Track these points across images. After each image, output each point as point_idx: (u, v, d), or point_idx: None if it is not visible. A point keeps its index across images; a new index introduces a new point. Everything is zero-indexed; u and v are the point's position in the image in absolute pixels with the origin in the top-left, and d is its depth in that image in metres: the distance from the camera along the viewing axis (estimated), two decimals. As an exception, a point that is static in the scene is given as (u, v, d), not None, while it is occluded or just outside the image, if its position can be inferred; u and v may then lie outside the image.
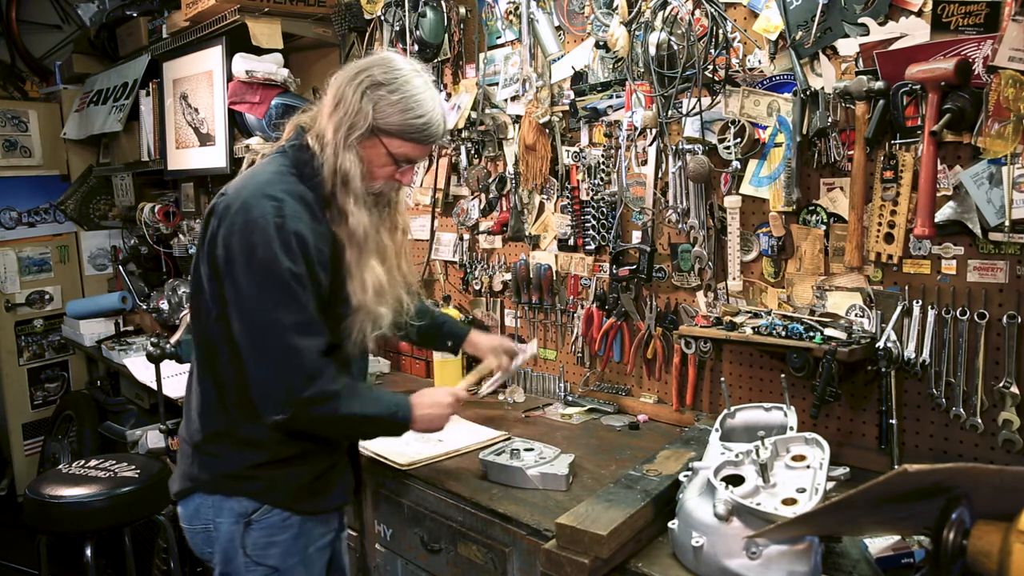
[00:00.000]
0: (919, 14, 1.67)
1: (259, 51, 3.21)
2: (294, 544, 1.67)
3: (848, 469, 1.56)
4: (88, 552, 2.75)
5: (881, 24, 1.73)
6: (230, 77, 3.28)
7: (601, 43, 2.25)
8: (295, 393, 1.50)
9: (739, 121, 1.97)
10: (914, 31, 1.68)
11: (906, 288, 1.77)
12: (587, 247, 2.43)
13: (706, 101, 2.03)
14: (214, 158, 3.43)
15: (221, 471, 1.64)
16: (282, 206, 1.52)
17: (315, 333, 1.53)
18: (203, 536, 1.67)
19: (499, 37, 2.64)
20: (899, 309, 1.77)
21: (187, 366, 1.85)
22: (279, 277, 1.49)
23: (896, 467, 1.58)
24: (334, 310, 1.62)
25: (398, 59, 1.63)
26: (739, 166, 2.00)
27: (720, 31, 1.95)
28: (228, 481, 1.64)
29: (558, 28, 2.44)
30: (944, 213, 1.67)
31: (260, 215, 1.50)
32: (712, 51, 1.97)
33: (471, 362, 2.48)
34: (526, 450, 1.93)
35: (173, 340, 2.85)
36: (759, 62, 1.97)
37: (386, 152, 1.62)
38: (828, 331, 1.77)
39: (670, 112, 2.09)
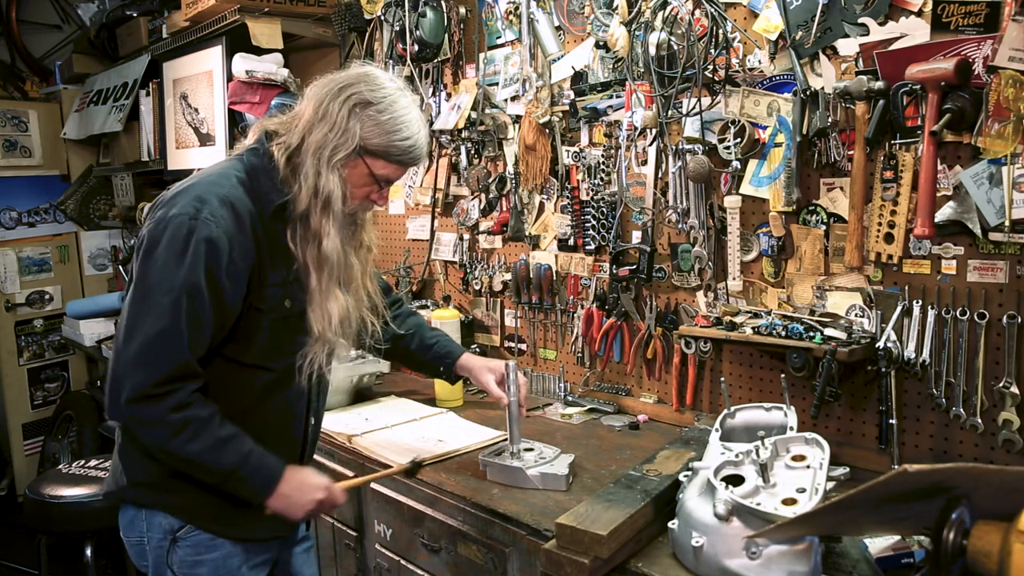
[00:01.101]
0: (919, 14, 1.67)
1: (259, 51, 3.21)
2: (224, 564, 1.59)
3: (848, 469, 1.56)
4: (88, 552, 2.75)
5: (881, 24, 1.73)
6: (230, 77, 3.28)
7: (601, 43, 2.25)
8: (127, 403, 1.39)
9: (739, 121, 1.97)
10: (914, 31, 1.68)
11: (906, 288, 1.77)
12: (587, 247, 2.43)
13: (706, 101, 2.03)
14: (214, 158, 3.42)
15: (137, 478, 1.56)
16: (201, 209, 1.43)
17: (176, 351, 1.41)
18: (138, 548, 1.60)
19: (499, 37, 2.64)
20: (899, 309, 1.77)
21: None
22: (167, 282, 1.40)
23: (896, 467, 1.59)
24: (251, 324, 1.53)
25: (382, 76, 1.56)
26: (739, 166, 2.00)
27: (720, 31, 1.95)
28: (144, 491, 1.56)
29: (558, 28, 2.44)
30: (944, 213, 1.67)
31: (177, 213, 1.43)
32: (712, 51, 1.97)
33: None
34: (526, 450, 1.93)
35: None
36: (759, 62, 1.97)
37: (368, 173, 1.55)
38: (828, 331, 1.77)
39: (670, 112, 2.09)
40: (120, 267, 4.57)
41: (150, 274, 1.43)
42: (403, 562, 2.06)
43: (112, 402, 1.43)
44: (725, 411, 1.78)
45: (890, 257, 1.78)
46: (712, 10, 1.94)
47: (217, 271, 1.44)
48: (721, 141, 2.00)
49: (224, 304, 1.47)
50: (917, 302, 1.75)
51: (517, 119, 2.59)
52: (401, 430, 2.26)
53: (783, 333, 1.82)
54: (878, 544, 1.43)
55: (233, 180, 1.52)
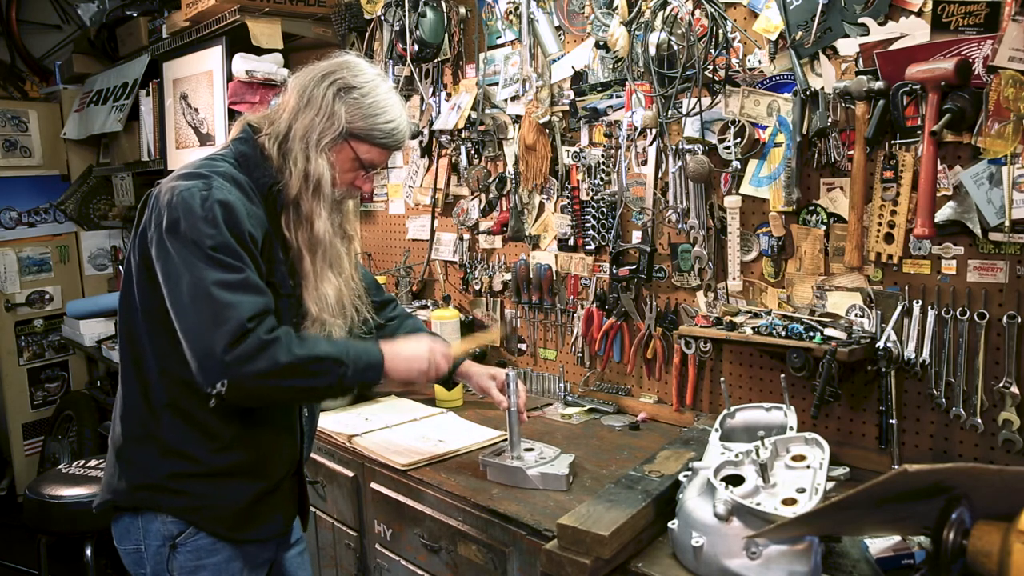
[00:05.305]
0: (919, 14, 1.67)
1: (259, 51, 3.21)
2: (226, 568, 1.58)
3: (848, 469, 1.56)
4: (88, 552, 2.76)
5: (881, 24, 1.73)
6: (230, 77, 3.28)
7: (601, 43, 2.25)
8: (227, 351, 1.37)
9: (739, 121, 1.97)
10: (914, 31, 1.68)
11: (906, 288, 1.77)
12: (587, 247, 2.43)
13: (706, 101, 2.03)
14: (214, 158, 3.42)
15: (139, 480, 1.53)
16: (210, 179, 1.45)
17: (247, 291, 1.41)
18: (135, 557, 1.58)
19: (499, 37, 2.64)
20: (899, 309, 1.77)
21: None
22: (201, 247, 1.40)
23: (896, 467, 1.59)
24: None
25: (362, 63, 1.59)
26: (739, 166, 2.00)
27: (720, 31, 1.95)
28: (147, 493, 1.53)
29: (558, 28, 2.44)
30: (944, 213, 1.67)
31: (184, 190, 1.43)
32: (712, 51, 1.97)
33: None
34: (526, 450, 1.92)
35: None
36: (759, 62, 1.97)
37: (354, 157, 1.57)
38: (828, 331, 1.77)
39: (670, 112, 2.09)
40: (120, 267, 4.57)
41: (185, 244, 1.41)
42: (403, 562, 2.06)
43: (208, 364, 1.39)
44: (725, 411, 1.78)
45: (890, 257, 1.78)
46: (712, 10, 1.94)
47: (239, 230, 1.44)
48: (721, 141, 2.00)
49: (256, 261, 1.47)
50: (917, 302, 1.75)
51: (517, 119, 2.59)
52: (401, 430, 2.26)
53: (783, 333, 1.82)
54: (878, 544, 1.43)
55: (226, 165, 1.53)
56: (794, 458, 1.47)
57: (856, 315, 1.84)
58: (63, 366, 4.82)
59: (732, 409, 1.78)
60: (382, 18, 2.88)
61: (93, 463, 2.93)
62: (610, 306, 2.38)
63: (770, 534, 1.29)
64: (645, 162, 2.25)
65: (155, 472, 1.53)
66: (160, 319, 1.48)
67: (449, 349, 1.76)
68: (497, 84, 2.66)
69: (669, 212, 2.19)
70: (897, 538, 1.43)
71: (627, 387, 2.41)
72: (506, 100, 2.63)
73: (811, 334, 1.79)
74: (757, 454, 1.45)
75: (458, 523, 1.86)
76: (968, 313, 1.68)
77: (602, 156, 2.35)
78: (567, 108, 2.43)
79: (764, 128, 1.97)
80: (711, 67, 2.00)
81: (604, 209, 2.36)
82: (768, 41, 1.93)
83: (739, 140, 1.97)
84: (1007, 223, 1.58)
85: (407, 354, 1.65)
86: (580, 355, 2.51)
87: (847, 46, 1.79)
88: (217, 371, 1.39)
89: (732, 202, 2.04)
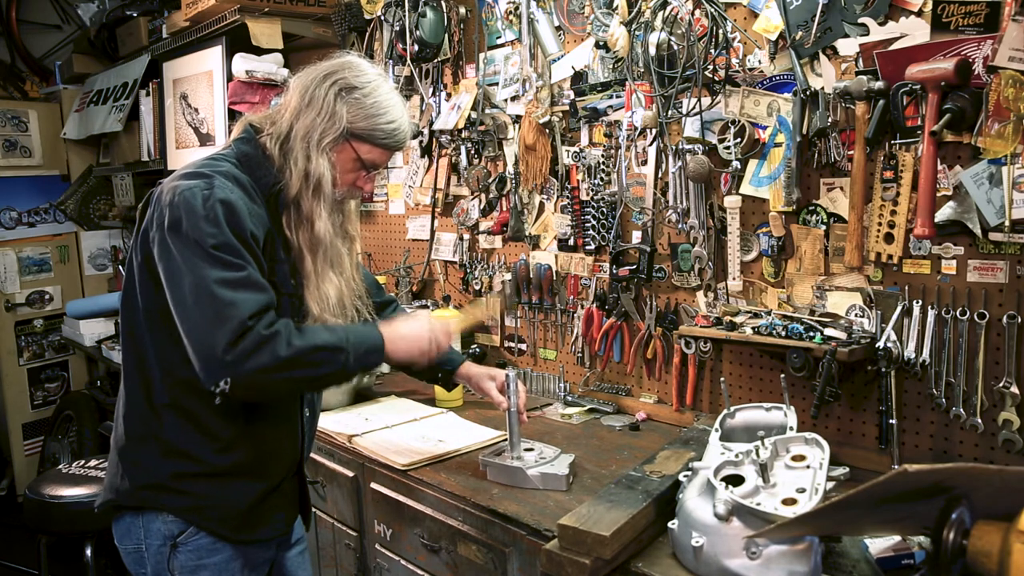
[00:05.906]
0: (919, 14, 1.67)
1: (259, 51, 3.22)
2: (226, 567, 1.58)
3: (848, 469, 1.56)
4: (88, 552, 2.76)
5: (881, 24, 1.73)
6: (230, 77, 3.28)
7: (601, 43, 2.25)
8: (228, 349, 1.37)
9: (739, 121, 1.97)
10: (914, 31, 1.68)
11: (906, 288, 1.77)
12: (587, 247, 2.43)
13: (706, 101, 2.03)
14: (214, 158, 3.42)
15: (142, 481, 1.53)
16: (211, 181, 1.45)
17: (249, 288, 1.41)
18: (135, 556, 1.58)
19: (499, 37, 2.64)
20: (899, 309, 1.77)
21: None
22: (203, 246, 1.40)
23: (896, 467, 1.59)
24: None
25: (364, 63, 1.60)
26: (739, 166, 2.00)
27: (720, 31, 1.95)
28: (150, 493, 1.53)
29: (558, 28, 2.44)
30: (944, 213, 1.67)
31: (186, 189, 1.43)
32: (712, 51, 1.97)
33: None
34: (526, 450, 1.92)
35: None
36: (759, 62, 1.97)
37: (355, 157, 1.58)
38: (828, 331, 1.77)
39: (670, 112, 2.09)
40: (120, 267, 4.57)
41: (187, 243, 1.41)
42: (403, 562, 2.06)
43: (211, 363, 1.39)
44: (725, 411, 1.78)
45: (890, 257, 1.78)
46: (712, 10, 1.94)
47: (240, 229, 1.44)
48: (721, 141, 2.00)
49: (258, 259, 1.47)
50: (917, 302, 1.75)
51: (517, 119, 2.59)
52: (401, 430, 2.26)
53: (783, 333, 1.82)
54: (878, 544, 1.43)
55: (227, 165, 1.53)
56: (794, 458, 1.47)
57: (856, 315, 1.84)
58: (63, 366, 4.82)
59: (732, 409, 1.79)
60: (382, 18, 2.88)
61: (93, 463, 2.94)
62: (610, 306, 2.38)
63: (770, 534, 1.29)
64: (645, 162, 2.25)
65: (158, 472, 1.53)
66: (162, 319, 1.47)
67: (448, 325, 1.77)
68: (497, 84, 2.66)
69: (669, 212, 2.19)
70: (897, 538, 1.43)
71: (627, 387, 2.41)
72: (506, 100, 2.63)
73: (811, 334, 1.79)
74: (757, 454, 1.45)
75: (458, 523, 1.86)
76: (968, 313, 1.68)
77: (602, 156, 2.35)
78: (567, 108, 2.43)
79: (764, 128, 1.97)
80: (711, 67, 2.00)
81: (604, 209, 2.36)
82: (768, 41, 1.93)
83: (739, 140, 1.97)
84: (1007, 223, 1.58)
85: (407, 334, 1.66)
86: (580, 355, 2.51)
87: (847, 46, 1.79)
88: (219, 370, 1.39)
89: (732, 202, 2.04)
